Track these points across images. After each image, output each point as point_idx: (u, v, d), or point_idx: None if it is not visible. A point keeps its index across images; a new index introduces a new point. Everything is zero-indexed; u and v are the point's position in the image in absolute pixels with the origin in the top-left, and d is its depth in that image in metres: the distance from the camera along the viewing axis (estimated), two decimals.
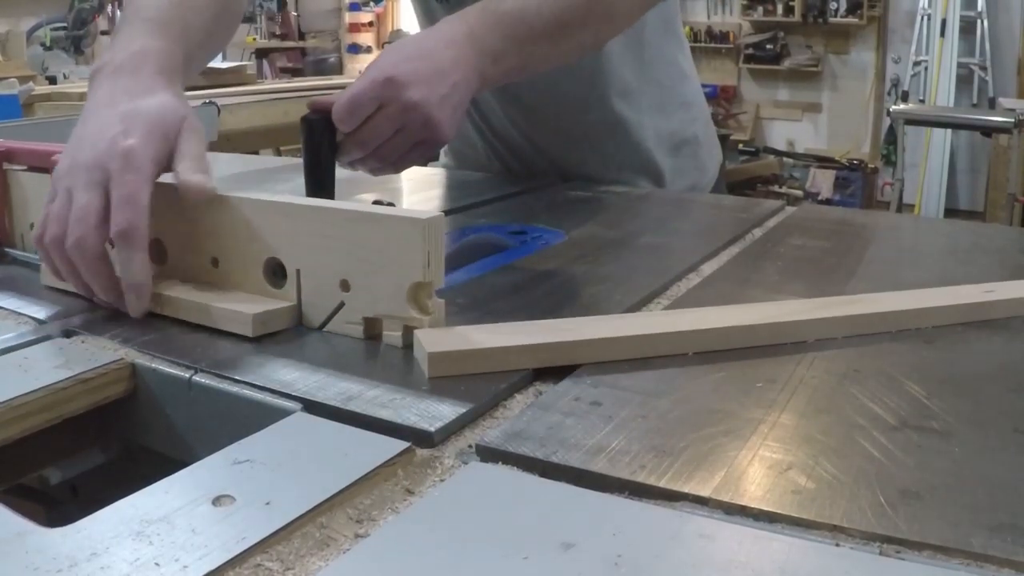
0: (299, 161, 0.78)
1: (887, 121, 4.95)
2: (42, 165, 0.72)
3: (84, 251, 0.58)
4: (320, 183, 0.76)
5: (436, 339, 0.53)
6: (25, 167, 0.74)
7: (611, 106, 1.11)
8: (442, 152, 1.12)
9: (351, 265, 0.57)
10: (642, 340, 0.56)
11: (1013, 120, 3.49)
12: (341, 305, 0.58)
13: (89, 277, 0.60)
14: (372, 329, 0.57)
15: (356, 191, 1.01)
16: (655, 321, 0.61)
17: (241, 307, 0.58)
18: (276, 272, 0.60)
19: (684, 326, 0.57)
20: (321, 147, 0.76)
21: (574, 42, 0.86)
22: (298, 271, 0.59)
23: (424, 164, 0.80)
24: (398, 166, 0.81)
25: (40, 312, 0.62)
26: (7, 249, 0.76)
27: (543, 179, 1.18)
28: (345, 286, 0.57)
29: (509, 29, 0.80)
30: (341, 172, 0.78)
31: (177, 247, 0.65)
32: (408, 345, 0.56)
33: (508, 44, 0.80)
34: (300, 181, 0.76)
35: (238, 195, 0.61)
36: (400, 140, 0.76)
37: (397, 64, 0.75)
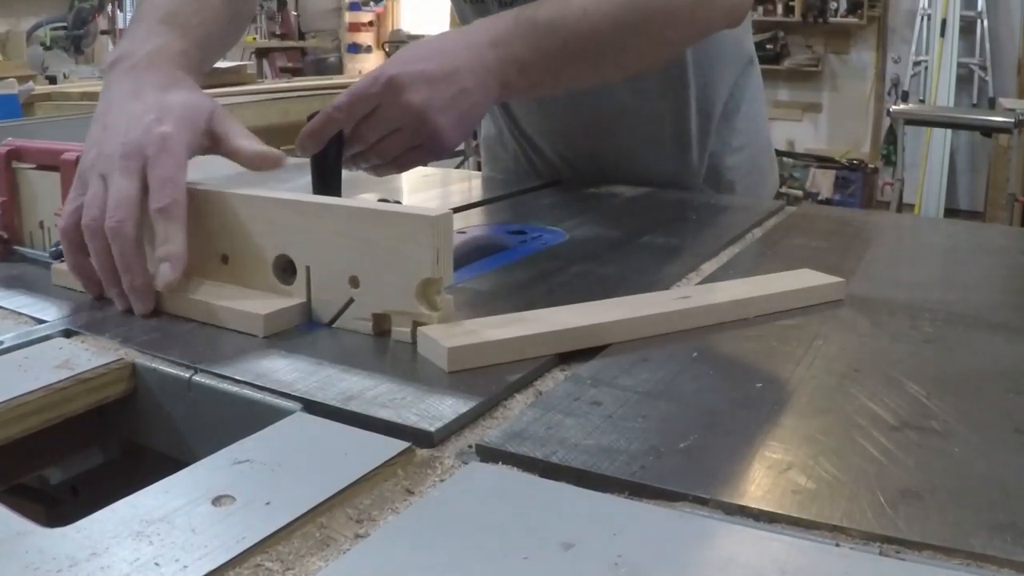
0: (298, 160, 0.79)
1: (887, 121, 4.95)
2: (51, 163, 0.71)
3: (122, 234, 0.59)
4: (327, 182, 0.76)
5: (448, 333, 0.54)
6: (34, 165, 0.74)
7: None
8: (475, 148, 1.15)
9: (360, 262, 0.57)
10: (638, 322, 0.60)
11: (1013, 120, 3.49)
12: (350, 302, 0.58)
13: (121, 262, 0.60)
14: (381, 325, 0.58)
15: (358, 191, 1.01)
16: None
17: (251, 307, 0.58)
18: (286, 269, 0.61)
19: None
20: (329, 146, 0.75)
21: (613, 63, 0.83)
22: (308, 268, 0.60)
23: (425, 164, 0.81)
24: (399, 166, 0.80)
25: (46, 311, 0.62)
26: (16, 247, 0.75)
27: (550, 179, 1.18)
28: (354, 282, 0.58)
29: (539, 40, 0.76)
30: (346, 172, 0.78)
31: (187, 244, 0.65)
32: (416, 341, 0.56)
33: (536, 55, 0.76)
34: (301, 180, 0.76)
35: (248, 192, 0.62)
36: (397, 140, 0.76)
37: (406, 63, 0.74)
